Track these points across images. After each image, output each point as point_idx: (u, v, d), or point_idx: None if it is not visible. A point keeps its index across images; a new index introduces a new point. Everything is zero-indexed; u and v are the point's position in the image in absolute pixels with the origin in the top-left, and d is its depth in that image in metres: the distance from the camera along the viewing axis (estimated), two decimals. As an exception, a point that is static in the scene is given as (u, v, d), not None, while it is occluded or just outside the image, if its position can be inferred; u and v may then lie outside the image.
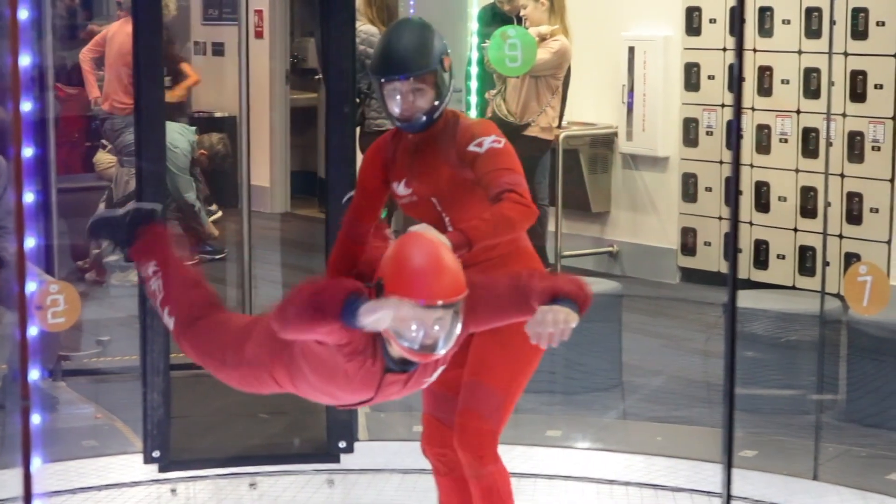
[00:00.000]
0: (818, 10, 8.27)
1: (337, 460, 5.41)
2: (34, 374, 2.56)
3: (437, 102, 4.04)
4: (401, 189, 4.15)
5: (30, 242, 2.60)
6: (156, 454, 5.23)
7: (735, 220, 3.17)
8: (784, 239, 8.56)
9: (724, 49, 8.78)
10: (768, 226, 8.63)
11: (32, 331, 2.57)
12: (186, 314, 4.01)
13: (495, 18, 8.02)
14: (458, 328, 3.39)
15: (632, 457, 5.70)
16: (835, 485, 5.37)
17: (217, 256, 9.63)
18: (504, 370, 4.07)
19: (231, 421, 5.53)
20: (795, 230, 8.51)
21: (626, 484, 5.45)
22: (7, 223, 5.94)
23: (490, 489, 4.10)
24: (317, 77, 11.89)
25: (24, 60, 2.48)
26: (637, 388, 6.80)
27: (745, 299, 6.59)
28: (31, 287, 2.60)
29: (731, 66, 8.74)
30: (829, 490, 5.34)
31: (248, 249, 6.06)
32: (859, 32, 8.07)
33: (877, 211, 8.06)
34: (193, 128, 9.79)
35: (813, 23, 8.33)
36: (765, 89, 8.58)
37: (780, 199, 8.57)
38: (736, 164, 2.92)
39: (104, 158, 9.73)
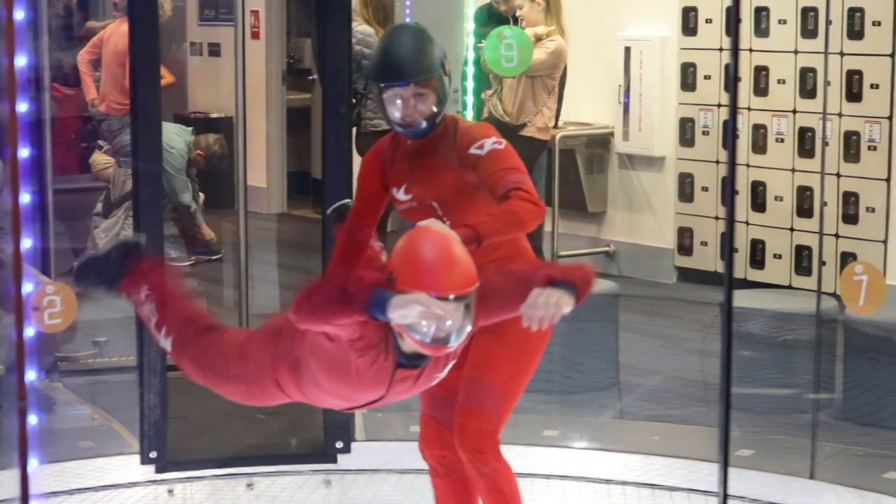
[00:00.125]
0: (814, 9, 8.28)
1: (334, 460, 5.41)
2: (31, 375, 2.56)
3: (438, 108, 4.03)
4: (400, 194, 4.14)
5: (26, 243, 2.60)
6: (153, 455, 5.23)
7: (731, 220, 3.17)
8: (780, 238, 8.57)
9: (721, 49, 8.79)
10: (765, 225, 8.64)
11: (29, 331, 2.57)
12: (183, 332, 3.97)
13: (491, 18, 8.02)
14: (471, 321, 3.38)
15: (629, 456, 5.70)
16: (831, 484, 5.38)
17: (214, 257, 9.63)
18: (504, 367, 4.07)
19: (228, 421, 5.52)
20: (792, 230, 8.51)
21: (623, 483, 5.45)
22: (3, 224, 5.94)
23: (494, 487, 4.09)
24: (311, 77, 11.90)
25: (21, 61, 2.48)
26: (634, 388, 6.80)
27: (742, 299, 6.60)
28: (27, 288, 2.60)
29: (727, 66, 8.74)
30: (826, 489, 5.34)
31: (244, 250, 6.05)
32: (855, 32, 8.07)
33: (873, 210, 8.07)
34: (190, 128, 9.79)
35: (809, 22, 8.33)
36: (761, 89, 8.59)
37: (776, 198, 8.57)
38: (732, 163, 2.93)
39: (100, 159, 9.73)
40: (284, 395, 3.80)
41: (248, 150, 6.15)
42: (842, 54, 8.09)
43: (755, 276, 8.61)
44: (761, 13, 8.53)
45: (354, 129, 7.55)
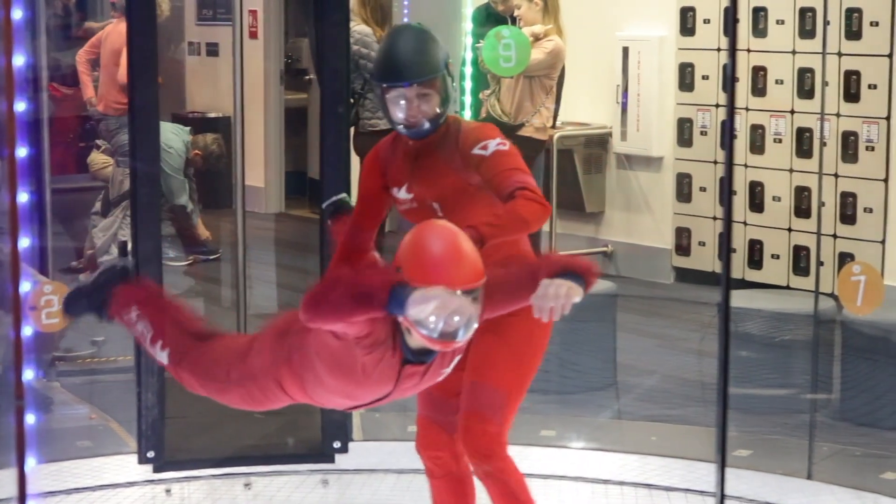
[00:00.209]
0: (812, 10, 8.28)
1: (332, 460, 5.41)
2: (28, 374, 2.56)
3: (441, 108, 4.01)
4: (401, 194, 4.13)
5: (24, 242, 2.60)
6: (150, 454, 5.22)
7: (729, 220, 3.17)
8: (778, 239, 8.57)
9: (719, 49, 8.79)
10: (762, 226, 8.64)
11: (27, 331, 2.57)
12: (179, 343, 3.94)
13: (489, 18, 8.03)
14: (478, 316, 3.37)
15: (626, 456, 5.71)
16: (829, 484, 5.38)
17: (211, 257, 9.63)
18: (506, 369, 4.05)
19: (225, 421, 5.52)
20: (789, 230, 8.52)
21: (621, 483, 5.46)
22: (1, 223, 5.93)
23: (506, 490, 4.08)
24: (307, 77, 11.90)
25: (19, 61, 2.48)
26: (631, 388, 6.81)
27: (740, 299, 6.60)
28: (24, 287, 2.60)
29: (725, 66, 8.75)
30: (824, 489, 5.35)
31: (242, 250, 6.05)
32: (853, 32, 8.08)
33: (871, 211, 8.07)
34: (188, 128, 9.79)
35: (807, 23, 8.34)
36: (759, 89, 8.59)
37: (774, 199, 8.58)
38: (730, 164, 2.93)
39: (98, 159, 9.73)
40: (288, 397, 3.78)
41: (245, 149, 6.15)
42: (840, 55, 8.10)
43: (753, 276, 8.62)
44: (759, 13, 8.53)
45: (352, 129, 7.56)
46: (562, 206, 9.16)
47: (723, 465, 3.03)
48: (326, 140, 5.22)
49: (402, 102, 3.98)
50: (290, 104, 12.02)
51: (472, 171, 3.98)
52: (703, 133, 8.92)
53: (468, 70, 6.14)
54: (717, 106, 8.88)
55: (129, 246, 5.03)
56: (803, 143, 8.41)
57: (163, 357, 3.98)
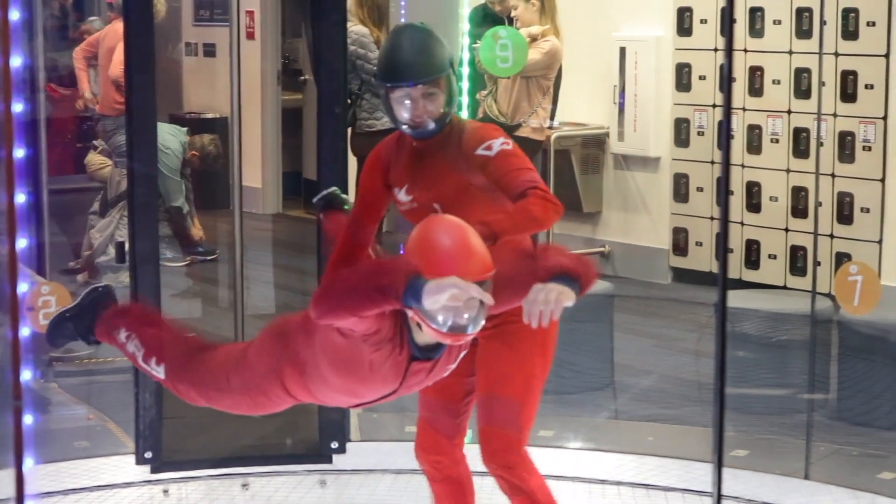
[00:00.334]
0: (809, 10, 8.29)
1: (329, 461, 5.41)
2: (26, 375, 2.56)
3: (446, 108, 3.98)
4: (402, 195, 4.10)
5: (21, 243, 2.60)
6: (148, 455, 5.23)
7: (726, 221, 3.17)
8: (775, 239, 8.58)
9: (716, 49, 8.80)
10: (759, 226, 8.65)
11: (24, 332, 2.57)
12: (175, 355, 3.92)
13: (486, 19, 8.03)
14: (486, 308, 3.37)
15: (623, 456, 5.71)
16: (826, 484, 5.39)
17: (209, 258, 9.63)
18: (517, 378, 4.03)
19: (223, 422, 5.52)
20: (786, 230, 8.52)
21: (618, 484, 5.46)
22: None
23: (532, 500, 4.05)
24: (302, 78, 11.90)
25: (16, 61, 2.49)
26: (628, 388, 6.81)
27: (737, 299, 6.61)
28: (22, 288, 2.60)
29: (722, 67, 8.75)
30: (821, 489, 5.35)
31: (239, 250, 6.05)
32: (850, 33, 8.08)
33: (867, 211, 8.08)
34: (185, 129, 9.79)
35: (804, 23, 8.34)
36: (756, 89, 8.60)
37: (771, 199, 8.58)
38: (726, 164, 2.93)
39: (96, 159, 9.73)
40: (291, 399, 3.77)
41: (243, 150, 6.15)
42: (836, 55, 8.10)
43: (750, 276, 8.62)
44: (756, 14, 8.54)
45: (349, 130, 7.56)
46: (559, 207, 9.15)
47: (720, 465, 3.03)
48: (323, 141, 5.22)
49: (407, 102, 3.95)
50: (289, 105, 12.02)
51: (475, 171, 3.96)
52: (700, 133, 8.93)
53: (465, 70, 6.13)
54: (714, 106, 8.88)
55: (127, 246, 5.03)
56: (800, 143, 8.42)
57: (159, 372, 3.95)
